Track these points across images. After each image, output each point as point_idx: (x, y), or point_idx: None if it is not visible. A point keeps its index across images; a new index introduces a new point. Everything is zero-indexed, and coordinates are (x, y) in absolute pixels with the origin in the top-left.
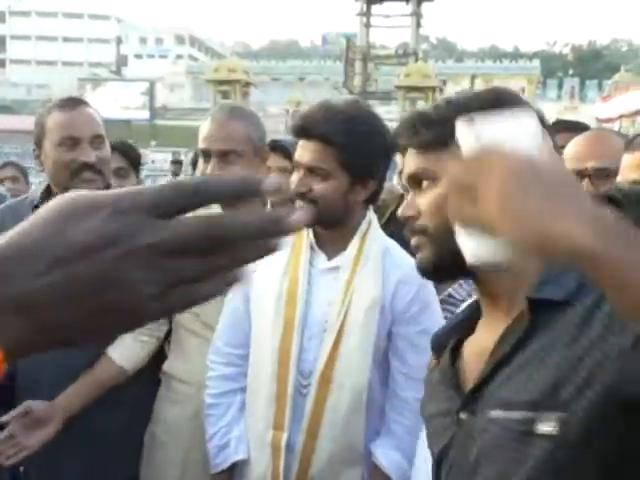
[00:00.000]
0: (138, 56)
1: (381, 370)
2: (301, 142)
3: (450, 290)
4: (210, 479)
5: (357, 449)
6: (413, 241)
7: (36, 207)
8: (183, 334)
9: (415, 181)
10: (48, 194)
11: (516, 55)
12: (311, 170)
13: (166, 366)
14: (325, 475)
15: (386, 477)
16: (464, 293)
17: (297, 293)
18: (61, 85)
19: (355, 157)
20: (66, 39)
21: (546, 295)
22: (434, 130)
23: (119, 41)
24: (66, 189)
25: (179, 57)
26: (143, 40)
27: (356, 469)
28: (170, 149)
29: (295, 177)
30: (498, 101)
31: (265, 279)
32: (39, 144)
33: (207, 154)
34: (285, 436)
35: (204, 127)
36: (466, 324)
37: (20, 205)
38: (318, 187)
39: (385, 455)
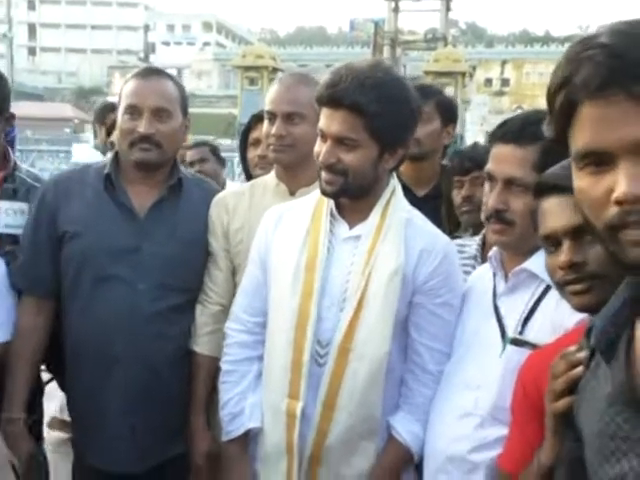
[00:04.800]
0: (166, 43)
1: (400, 340)
2: (327, 111)
3: (462, 241)
4: (222, 447)
5: (375, 420)
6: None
7: (108, 175)
8: None
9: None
10: (117, 162)
11: (547, 39)
12: (340, 140)
13: None
14: (341, 446)
15: (405, 449)
16: (473, 250)
17: (317, 261)
18: (90, 73)
19: (386, 126)
20: (95, 27)
21: None
22: None
23: (147, 28)
24: (127, 157)
25: (206, 44)
26: (170, 27)
27: (372, 440)
28: (198, 136)
29: (322, 147)
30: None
31: (285, 247)
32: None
33: (272, 115)
34: (300, 405)
35: (271, 90)
36: (626, 313)
37: (83, 173)
38: (348, 158)
39: (408, 431)
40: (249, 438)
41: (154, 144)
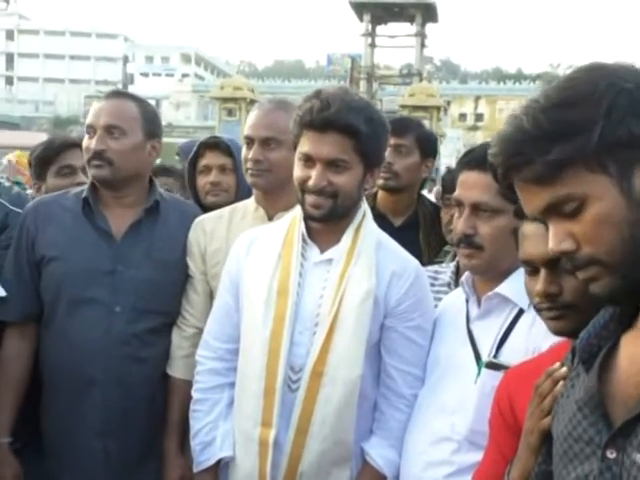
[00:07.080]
0: (144, 74)
1: (373, 363)
2: (315, 135)
3: (437, 267)
4: (194, 478)
5: (347, 445)
6: (584, 274)
7: (85, 199)
8: None
9: (551, 212)
10: (94, 186)
11: (519, 77)
12: (331, 162)
13: None
14: (314, 472)
15: (380, 475)
16: (447, 278)
17: (289, 286)
18: (68, 102)
19: (372, 146)
20: (73, 57)
21: None
22: (553, 151)
23: (126, 59)
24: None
25: (185, 76)
26: (149, 59)
27: (346, 466)
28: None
29: (307, 172)
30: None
31: (257, 272)
32: None
33: (250, 140)
34: (273, 433)
35: (250, 115)
36: (612, 327)
37: (63, 198)
38: (339, 180)
39: (382, 456)
40: (220, 467)
41: (105, 161)
